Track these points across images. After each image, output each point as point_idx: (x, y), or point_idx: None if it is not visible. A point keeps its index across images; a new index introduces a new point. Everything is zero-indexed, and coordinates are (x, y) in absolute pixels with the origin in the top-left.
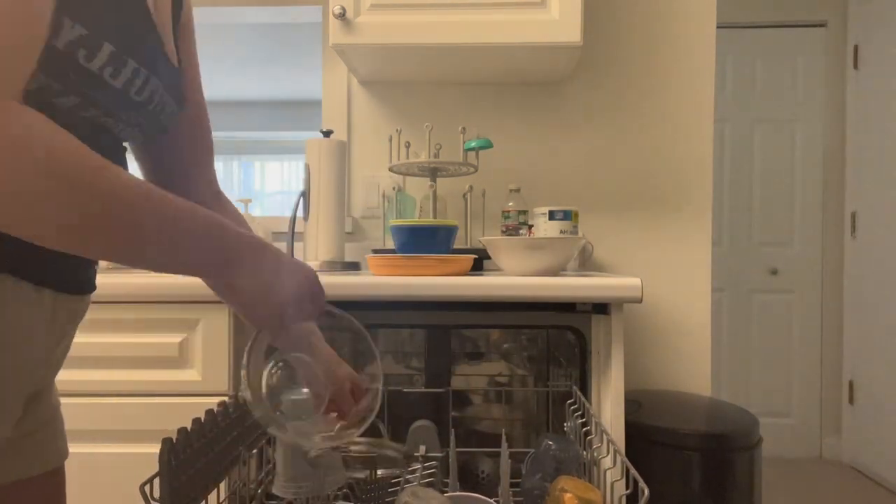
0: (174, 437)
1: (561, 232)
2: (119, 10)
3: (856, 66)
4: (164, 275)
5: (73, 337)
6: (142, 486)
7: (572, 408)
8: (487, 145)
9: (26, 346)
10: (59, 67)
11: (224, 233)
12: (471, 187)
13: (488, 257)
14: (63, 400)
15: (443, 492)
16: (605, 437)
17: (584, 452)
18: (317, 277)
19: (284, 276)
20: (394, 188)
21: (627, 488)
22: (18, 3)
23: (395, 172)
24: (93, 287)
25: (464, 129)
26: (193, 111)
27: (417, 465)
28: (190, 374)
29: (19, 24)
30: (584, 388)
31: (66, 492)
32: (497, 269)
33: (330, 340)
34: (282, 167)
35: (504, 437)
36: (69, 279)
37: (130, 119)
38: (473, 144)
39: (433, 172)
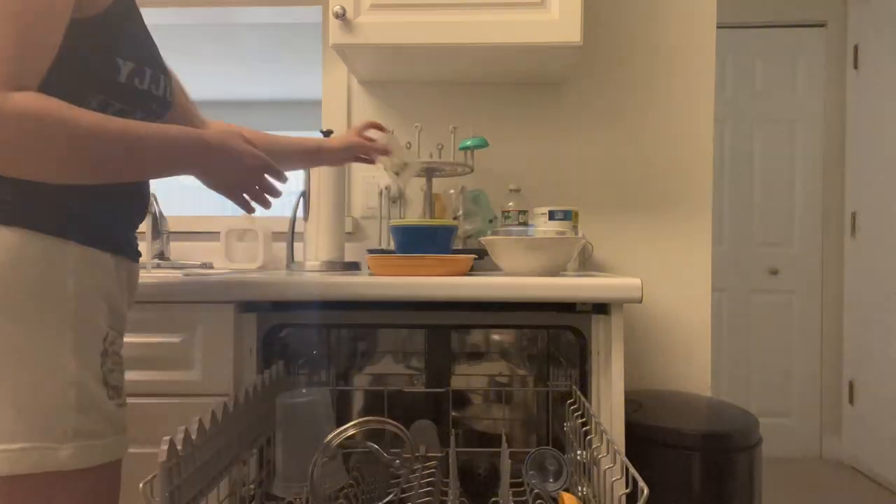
0: (174, 437)
1: (561, 232)
2: (141, 38)
3: (856, 66)
4: (163, 275)
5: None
6: (142, 486)
7: (572, 408)
8: (482, 144)
9: (114, 304)
10: (122, 93)
11: (192, 145)
12: (463, 188)
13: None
14: None
15: (443, 492)
16: (604, 436)
17: (584, 452)
18: (267, 164)
19: (238, 173)
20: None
21: (627, 487)
22: (42, 33)
23: None
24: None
25: (454, 128)
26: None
27: (417, 465)
28: (190, 374)
29: (44, 48)
30: (584, 388)
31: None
32: (493, 269)
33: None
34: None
35: (504, 437)
36: (129, 248)
37: (166, 117)
38: (468, 143)
39: (429, 173)
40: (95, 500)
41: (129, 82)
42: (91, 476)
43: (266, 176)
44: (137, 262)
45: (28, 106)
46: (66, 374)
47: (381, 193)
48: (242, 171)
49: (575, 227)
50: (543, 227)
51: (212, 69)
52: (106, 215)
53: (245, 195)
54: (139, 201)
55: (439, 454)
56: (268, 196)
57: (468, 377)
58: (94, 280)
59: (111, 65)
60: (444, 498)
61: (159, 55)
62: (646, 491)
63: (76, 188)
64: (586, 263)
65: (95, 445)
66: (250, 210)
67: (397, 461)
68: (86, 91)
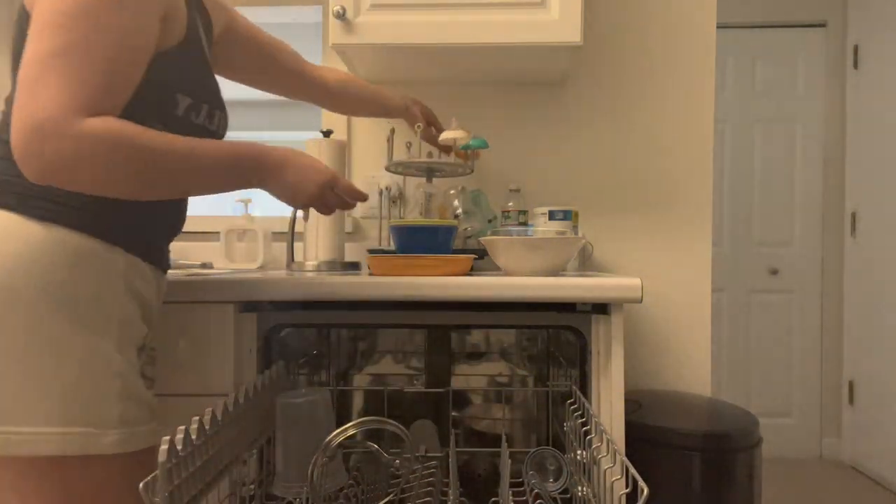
0: (174, 437)
1: (561, 232)
2: (202, 75)
3: (856, 66)
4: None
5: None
6: (142, 486)
7: (572, 408)
8: (482, 145)
9: (149, 308)
10: (178, 126)
11: (242, 159)
12: (463, 188)
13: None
14: None
15: (443, 492)
16: (604, 436)
17: (584, 452)
18: (333, 177)
19: (305, 184)
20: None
21: (627, 487)
22: (130, 67)
23: (391, 172)
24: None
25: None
26: (274, 54)
27: (417, 465)
28: (190, 374)
29: (129, 81)
30: (584, 388)
31: None
32: (493, 269)
33: None
34: None
35: (504, 438)
36: (163, 260)
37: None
38: (468, 143)
39: (429, 173)
40: (130, 483)
41: (185, 116)
42: (128, 460)
43: (333, 191)
44: (166, 273)
45: (104, 129)
46: (112, 366)
47: (381, 193)
48: (309, 186)
49: (575, 227)
50: (543, 227)
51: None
52: (148, 228)
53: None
54: (176, 217)
55: (439, 454)
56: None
57: (468, 377)
58: (135, 285)
59: (171, 99)
60: (444, 498)
61: (218, 91)
62: (646, 491)
63: (126, 200)
64: (586, 263)
65: (137, 432)
66: (325, 212)
67: (397, 461)
68: (146, 120)
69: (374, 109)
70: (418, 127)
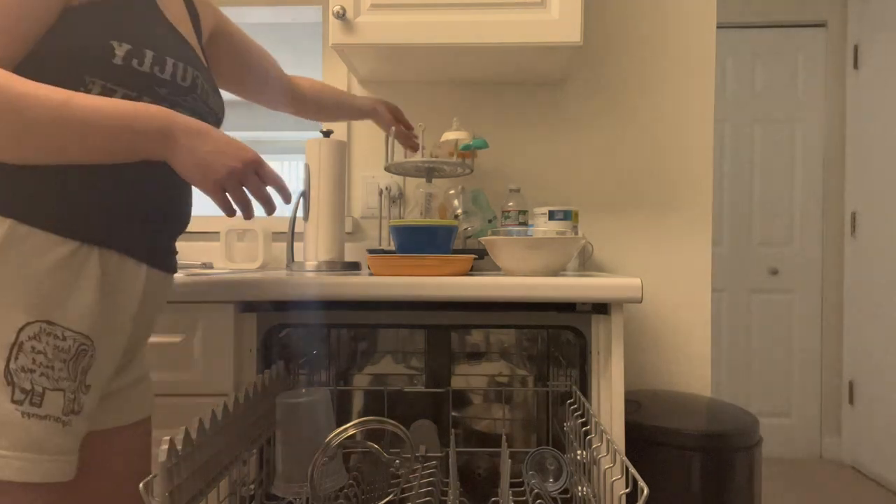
0: (174, 437)
1: (561, 232)
2: (144, 21)
3: (856, 66)
4: None
5: (161, 310)
6: (142, 486)
7: (572, 408)
8: (482, 145)
9: (128, 309)
10: (120, 75)
11: (144, 117)
12: (462, 188)
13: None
14: None
15: (443, 492)
16: (604, 436)
17: (584, 452)
18: (260, 158)
19: (224, 157)
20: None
21: (627, 487)
22: (5, 21)
23: (391, 172)
24: (175, 269)
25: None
26: (261, 63)
27: (417, 465)
28: (190, 374)
29: (7, 35)
30: (584, 388)
31: (151, 440)
32: (493, 269)
33: None
34: (282, 167)
35: (504, 438)
36: (160, 260)
37: (187, 102)
38: (468, 144)
39: (429, 173)
40: None
41: (126, 64)
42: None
43: (256, 176)
44: (149, 264)
45: None
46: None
47: (381, 193)
48: (228, 161)
49: (575, 227)
50: (543, 227)
51: None
52: (73, 196)
53: (227, 193)
54: (137, 192)
55: (439, 454)
56: (253, 200)
57: (468, 377)
58: (18, 261)
59: (106, 47)
60: (444, 498)
61: (173, 41)
62: (646, 491)
63: (26, 166)
64: (586, 263)
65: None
66: (230, 212)
67: (397, 461)
68: (84, 75)
69: (345, 113)
70: (392, 130)
